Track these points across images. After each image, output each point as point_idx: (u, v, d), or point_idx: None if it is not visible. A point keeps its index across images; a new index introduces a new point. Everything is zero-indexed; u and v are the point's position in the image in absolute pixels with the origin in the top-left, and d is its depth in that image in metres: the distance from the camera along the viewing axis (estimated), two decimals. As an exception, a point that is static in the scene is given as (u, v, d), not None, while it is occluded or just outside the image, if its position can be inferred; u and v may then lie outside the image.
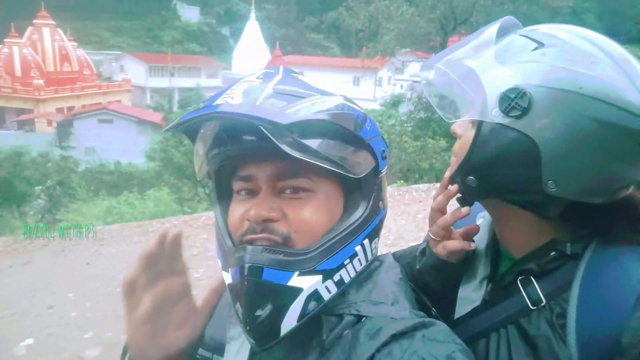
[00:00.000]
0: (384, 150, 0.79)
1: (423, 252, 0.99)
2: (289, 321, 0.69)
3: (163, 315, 0.68)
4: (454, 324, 0.87)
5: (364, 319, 0.71)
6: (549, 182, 0.74)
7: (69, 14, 45.96)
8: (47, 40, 40.13)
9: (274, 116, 0.63)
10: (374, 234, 0.77)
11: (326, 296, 0.71)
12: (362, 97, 36.31)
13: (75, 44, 42.97)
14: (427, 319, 0.71)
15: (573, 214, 0.80)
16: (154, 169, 16.42)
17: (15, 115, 36.25)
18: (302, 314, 0.69)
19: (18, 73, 37.04)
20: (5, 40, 37.61)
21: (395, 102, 23.72)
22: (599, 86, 0.71)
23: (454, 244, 0.90)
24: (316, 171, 0.70)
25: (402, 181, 10.84)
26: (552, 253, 0.81)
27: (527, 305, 0.80)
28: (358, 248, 0.74)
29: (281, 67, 0.77)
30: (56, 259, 5.53)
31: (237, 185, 0.76)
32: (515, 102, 0.73)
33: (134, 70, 46.46)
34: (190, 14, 62.43)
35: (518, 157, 0.75)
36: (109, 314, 4.17)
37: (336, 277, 0.72)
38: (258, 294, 0.68)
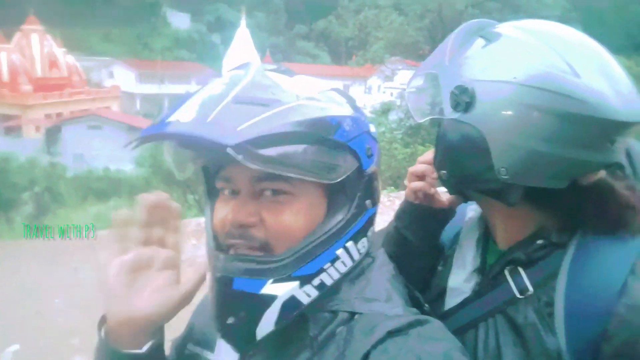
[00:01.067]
0: (369, 148, 0.76)
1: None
2: (265, 327, 0.69)
3: (143, 274, 0.68)
4: (444, 316, 0.89)
5: (357, 315, 0.70)
6: (501, 169, 0.77)
7: (58, 19, 45.65)
8: (35, 45, 39.82)
9: (220, 136, 0.60)
10: (359, 235, 0.75)
11: (305, 300, 0.70)
12: (352, 104, 36.23)
13: (65, 49, 42.67)
14: (422, 317, 0.71)
15: (551, 202, 0.82)
16: (143, 175, 16.30)
17: (3, 121, 35.82)
18: (280, 319, 0.69)
19: (5, 78, 36.63)
20: (-7, 45, 37.26)
21: (385, 109, 23.82)
22: (531, 74, 0.74)
23: (415, 183, 1.00)
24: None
25: (392, 187, 10.88)
26: (539, 242, 0.83)
27: (515, 294, 0.82)
28: (340, 251, 0.72)
29: (253, 66, 0.73)
30: (44, 265, 5.46)
31: (219, 184, 0.75)
32: (459, 97, 0.78)
33: (123, 77, 46.23)
34: (181, 21, 62.33)
35: (470, 148, 0.79)
36: (96, 321, 4.12)
37: (315, 282, 0.71)
38: (229, 302, 0.68)
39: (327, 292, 0.73)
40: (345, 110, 0.74)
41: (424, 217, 1.01)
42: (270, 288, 0.67)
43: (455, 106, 0.79)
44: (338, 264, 0.72)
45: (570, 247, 0.81)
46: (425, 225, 1.01)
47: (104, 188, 16.94)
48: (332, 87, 0.77)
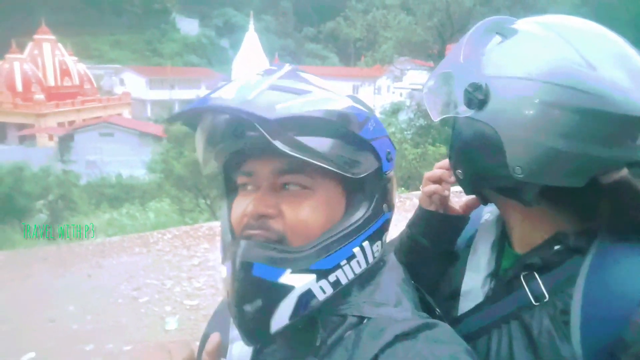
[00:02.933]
0: (389, 152, 0.77)
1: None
2: (280, 319, 0.68)
3: None
4: (457, 320, 0.87)
5: (366, 320, 0.70)
6: (516, 167, 0.75)
7: (68, 29, 46.31)
8: (47, 55, 40.44)
9: (261, 111, 0.63)
10: (375, 237, 0.75)
11: (321, 296, 0.70)
12: (362, 105, 36.27)
13: (76, 58, 43.26)
14: (430, 320, 0.70)
15: (569, 201, 0.80)
16: (155, 180, 16.42)
17: (17, 130, 36.40)
18: (295, 313, 0.69)
19: (19, 88, 37.24)
20: (6, 55, 37.87)
21: (395, 110, 23.79)
22: (545, 69, 0.72)
23: (430, 187, 0.98)
24: (317, 169, 0.69)
25: (402, 188, 10.84)
26: (556, 247, 0.80)
27: (530, 300, 0.79)
28: (356, 250, 0.73)
29: (287, 65, 0.77)
30: (56, 271, 5.51)
31: (240, 179, 0.76)
32: (473, 95, 0.77)
33: (133, 83, 46.75)
34: (189, 27, 62.88)
35: (485, 146, 0.78)
36: (110, 326, 4.15)
37: (331, 278, 0.70)
38: (247, 289, 0.67)
39: (338, 294, 0.73)
40: (367, 112, 0.76)
41: (439, 224, 0.98)
42: (288, 278, 0.68)
43: (469, 104, 0.78)
44: (354, 262, 0.73)
45: (588, 253, 0.77)
46: (440, 233, 0.99)
47: (116, 194, 17.10)
48: (346, 94, 0.78)
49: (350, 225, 0.72)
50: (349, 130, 0.70)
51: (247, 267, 0.67)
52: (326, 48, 62.87)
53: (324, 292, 0.70)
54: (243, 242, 0.69)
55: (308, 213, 0.71)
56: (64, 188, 16.46)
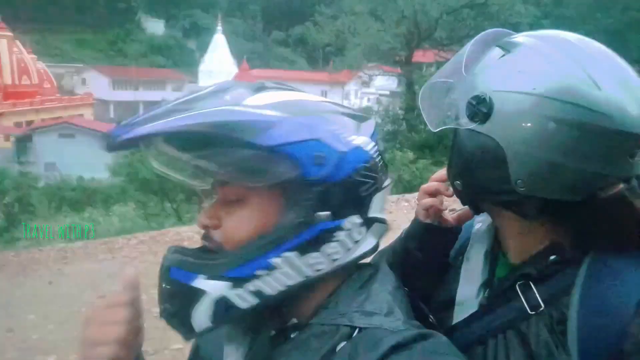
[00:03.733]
0: (319, 156, 0.70)
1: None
2: (201, 320, 0.72)
3: None
4: (452, 330, 0.87)
5: (357, 330, 0.69)
6: (518, 181, 0.76)
7: (27, 25, 44.68)
8: (4, 52, 38.85)
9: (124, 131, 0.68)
10: (307, 248, 0.71)
11: (242, 304, 0.71)
12: (330, 110, 36.41)
13: (35, 56, 41.74)
14: (425, 331, 0.69)
15: (566, 215, 0.81)
16: (119, 184, 16.00)
17: (-30, 130, 34.78)
18: (215, 317, 0.71)
19: (-27, 86, 35.66)
20: (-40, 52, 36.20)
21: (363, 115, 23.92)
22: (551, 85, 0.74)
23: (427, 200, 0.98)
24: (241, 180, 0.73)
25: (371, 193, 10.89)
26: (552, 257, 0.82)
27: (526, 310, 0.80)
28: (276, 260, 0.70)
29: (214, 85, 0.77)
30: (16, 279, 5.28)
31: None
32: (477, 108, 0.78)
33: (96, 84, 45.49)
34: (155, 27, 61.74)
35: (487, 160, 0.78)
36: (73, 336, 4.00)
37: (250, 287, 0.70)
38: (165, 289, 0.73)
39: (326, 305, 0.74)
40: (279, 116, 0.71)
41: (434, 237, 0.99)
42: (201, 282, 0.71)
43: (472, 117, 0.78)
44: (277, 274, 0.71)
45: (583, 263, 0.79)
46: (435, 245, 0.99)
47: (78, 198, 16.56)
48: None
49: (269, 235, 0.71)
50: (240, 139, 0.67)
51: (166, 270, 0.73)
52: (295, 52, 62.95)
53: (245, 300, 0.71)
54: (170, 248, 0.76)
55: (235, 223, 0.73)
56: (21, 191, 15.78)
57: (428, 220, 0.99)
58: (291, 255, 0.71)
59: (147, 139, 0.68)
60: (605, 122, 0.71)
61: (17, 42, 40.10)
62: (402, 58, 20.75)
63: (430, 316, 0.82)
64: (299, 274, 0.72)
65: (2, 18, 39.23)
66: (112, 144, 0.68)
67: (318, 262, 0.72)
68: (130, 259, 5.78)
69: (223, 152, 0.69)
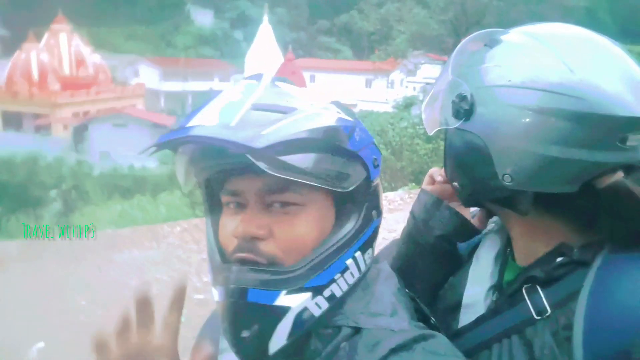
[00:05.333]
0: (376, 159, 0.77)
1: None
2: (278, 340, 0.68)
3: None
4: (457, 333, 0.85)
5: (361, 331, 0.69)
6: (505, 175, 0.75)
7: (84, 19, 46.64)
8: (63, 45, 40.86)
9: (248, 140, 0.60)
10: (366, 246, 0.75)
11: (317, 312, 0.69)
12: (374, 99, 36.24)
13: (91, 48, 43.57)
14: (427, 331, 0.69)
15: (564, 208, 0.78)
16: (167, 172, 16.53)
17: (32, 120, 36.88)
18: (293, 332, 0.68)
19: (35, 78, 37.69)
20: (23, 45, 38.31)
21: (408, 104, 23.63)
22: (524, 75, 0.72)
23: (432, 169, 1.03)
24: (305, 185, 0.68)
25: (413, 184, 10.77)
26: (559, 259, 0.78)
27: (532, 315, 0.77)
28: (349, 262, 0.72)
29: (264, 77, 0.74)
30: (68, 264, 5.58)
31: (225, 198, 0.74)
32: (459, 105, 0.78)
33: (147, 75, 46.98)
34: (204, 19, 62.93)
35: (474, 156, 0.78)
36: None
37: (326, 293, 0.70)
38: (243, 315, 0.67)
39: (334, 306, 0.72)
40: (352, 122, 0.74)
41: (461, 224, 0.96)
42: (284, 299, 0.67)
43: (456, 114, 0.79)
44: (347, 274, 0.72)
45: (593, 266, 0.75)
46: (457, 231, 0.96)
47: (128, 185, 17.23)
48: (331, 100, 0.77)
49: (342, 238, 0.72)
50: (335, 145, 0.69)
51: (241, 293, 0.66)
52: (339, 41, 62.56)
53: (319, 307, 0.70)
54: (235, 268, 0.68)
55: (300, 230, 0.70)
56: (77, 178, 16.65)
57: (429, 187, 1.00)
58: (359, 254, 0.74)
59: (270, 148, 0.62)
60: (582, 106, 0.68)
61: (75, 36, 41.99)
62: (449, 45, 20.17)
63: (432, 318, 0.81)
64: (359, 270, 0.74)
65: (62, 12, 41.17)
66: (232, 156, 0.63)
67: (369, 257, 0.77)
68: (174, 247, 5.98)
69: (319, 157, 0.67)
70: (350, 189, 0.71)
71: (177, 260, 5.52)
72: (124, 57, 49.31)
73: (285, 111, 0.66)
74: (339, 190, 0.70)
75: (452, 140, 0.84)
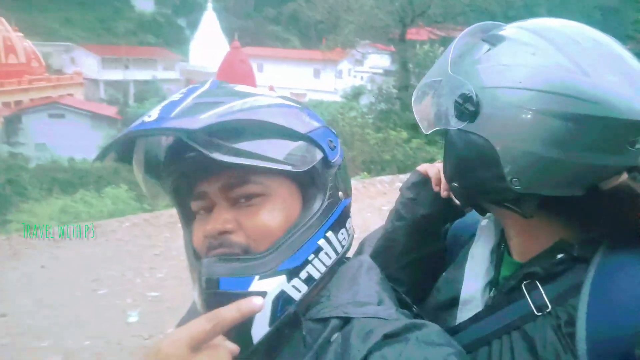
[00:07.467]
0: (331, 141, 0.78)
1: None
2: (260, 328, 0.68)
3: None
4: (455, 330, 0.85)
5: (351, 321, 0.69)
6: (513, 179, 0.74)
7: (13, 3, 43.61)
8: (-11, 30, 37.99)
9: (184, 123, 0.62)
10: (337, 226, 0.77)
11: (296, 295, 0.70)
12: (323, 89, 36.31)
13: (21, 34, 40.82)
14: (418, 320, 0.70)
15: (569, 210, 0.79)
16: (111, 165, 15.84)
17: (-43, 111, 34.19)
18: (273, 318, 0.68)
19: (-41, 65, 34.93)
20: (-56, 30, 35.34)
21: (356, 93, 23.87)
22: (537, 77, 0.71)
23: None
24: (265, 174, 0.70)
25: (365, 173, 10.92)
26: (559, 255, 0.79)
27: (532, 311, 0.78)
28: (322, 242, 0.74)
29: (210, 81, 0.76)
30: (8, 263, 5.24)
31: (194, 205, 0.75)
32: (464, 106, 0.76)
33: (85, 63, 44.67)
34: (145, 4, 60.40)
35: (479, 159, 0.77)
36: (69, 320, 3.99)
37: (303, 275, 0.71)
38: (218, 305, 0.65)
39: (318, 294, 0.74)
40: (297, 106, 0.77)
41: (446, 206, 1.01)
42: (258, 285, 0.67)
43: (461, 116, 0.77)
44: (322, 255, 0.74)
45: (593, 262, 0.76)
46: (442, 212, 1.01)
47: (69, 179, 16.42)
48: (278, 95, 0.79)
49: (310, 219, 0.73)
50: (279, 126, 0.70)
51: (213, 284, 0.66)
52: (287, 30, 61.99)
53: (298, 290, 0.70)
54: (206, 260, 0.68)
55: (266, 218, 0.71)
56: (11, 172, 15.65)
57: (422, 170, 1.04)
58: (330, 234, 0.74)
59: (194, 133, 0.63)
60: (596, 110, 0.68)
61: (3, 20, 39.17)
62: (395, 36, 20.51)
63: (414, 307, 0.82)
64: (334, 251, 0.75)
65: (-14, -5, 38.27)
66: (140, 133, 0.64)
67: (344, 238, 0.79)
68: (124, 243, 5.75)
69: (267, 139, 0.68)
70: (305, 168, 0.72)
71: (128, 256, 5.31)
72: (60, 44, 46.59)
73: (226, 102, 0.68)
74: (291, 170, 0.71)
75: (454, 141, 0.82)
